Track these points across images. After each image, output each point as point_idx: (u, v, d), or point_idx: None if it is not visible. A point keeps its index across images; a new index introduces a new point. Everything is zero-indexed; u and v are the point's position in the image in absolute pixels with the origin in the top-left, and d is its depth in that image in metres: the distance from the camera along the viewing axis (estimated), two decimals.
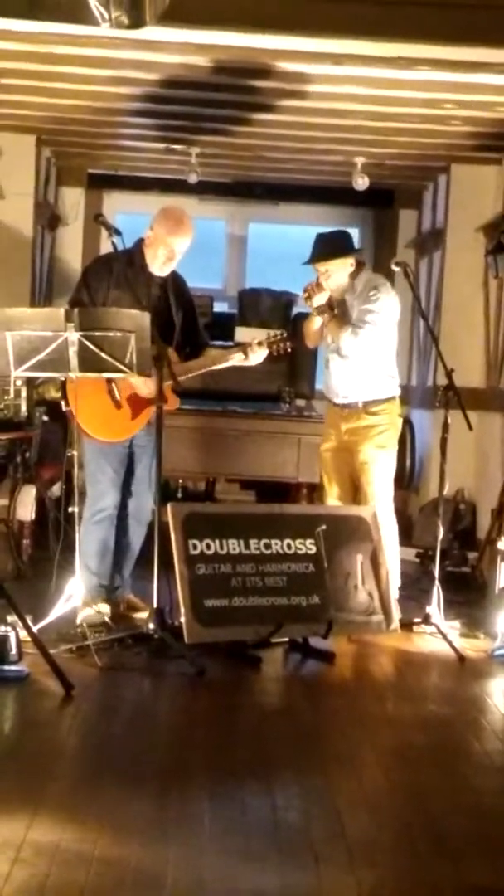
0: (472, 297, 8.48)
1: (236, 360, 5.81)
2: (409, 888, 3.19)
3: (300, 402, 8.33)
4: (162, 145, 8.32)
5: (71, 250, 9.55)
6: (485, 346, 8.39)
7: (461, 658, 5.54)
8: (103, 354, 5.05)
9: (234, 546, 5.57)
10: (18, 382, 6.47)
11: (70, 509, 5.52)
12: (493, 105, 6.67)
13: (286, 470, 7.52)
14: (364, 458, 6.04)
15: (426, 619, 5.85)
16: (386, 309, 6.03)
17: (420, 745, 4.41)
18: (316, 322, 6.16)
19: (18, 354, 5.04)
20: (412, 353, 9.24)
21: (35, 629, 4.88)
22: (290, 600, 5.58)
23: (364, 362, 6.03)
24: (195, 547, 5.47)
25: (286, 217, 9.88)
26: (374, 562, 5.84)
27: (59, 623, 5.31)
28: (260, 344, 5.77)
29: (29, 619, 4.87)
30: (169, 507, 5.54)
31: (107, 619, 5.46)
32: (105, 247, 7.53)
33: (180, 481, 8.43)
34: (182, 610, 5.28)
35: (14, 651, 4.81)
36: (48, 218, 9.12)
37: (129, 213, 9.36)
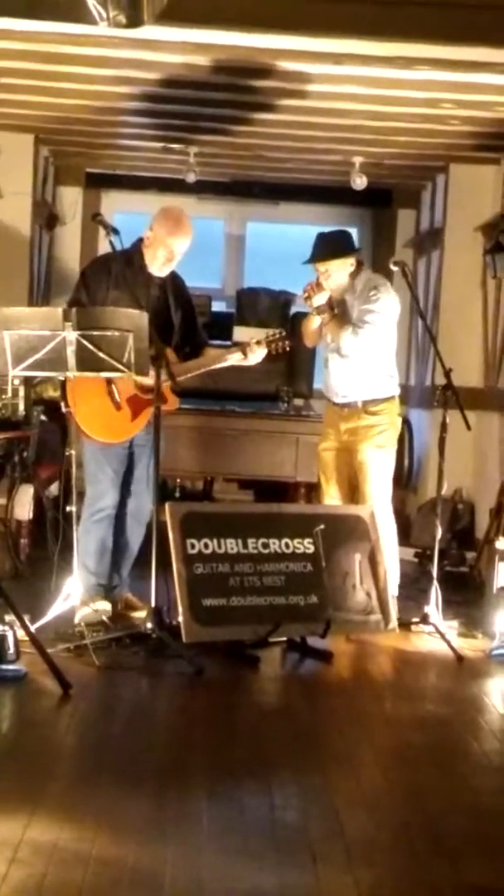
0: (471, 296, 8.48)
1: (235, 359, 5.81)
2: (408, 887, 3.19)
3: (298, 402, 8.33)
4: (160, 144, 8.32)
5: (69, 250, 9.55)
6: (483, 345, 8.40)
7: (459, 658, 5.54)
8: (101, 354, 5.05)
9: (232, 545, 5.56)
10: (16, 381, 6.47)
11: (68, 508, 5.52)
12: (492, 105, 6.67)
13: (284, 469, 7.52)
14: (363, 457, 6.04)
15: (424, 619, 5.85)
16: (386, 309, 6.03)
17: (418, 744, 4.41)
18: (315, 322, 6.16)
19: (16, 354, 5.04)
20: (410, 353, 9.24)
21: (33, 628, 4.88)
22: (288, 600, 5.58)
23: (364, 362, 6.02)
24: (193, 546, 5.47)
25: (284, 216, 9.88)
26: (373, 561, 5.84)
27: (56, 622, 5.31)
28: (258, 343, 5.77)
29: (27, 619, 4.87)
30: (167, 506, 5.54)
31: (105, 618, 5.45)
32: (103, 246, 7.54)
33: (178, 481, 8.43)
34: (180, 609, 5.28)
35: (12, 650, 4.80)
36: (46, 217, 9.11)
37: (127, 212, 9.36)
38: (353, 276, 6.09)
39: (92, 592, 5.59)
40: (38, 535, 6.92)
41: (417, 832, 3.51)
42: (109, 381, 5.55)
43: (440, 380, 6.14)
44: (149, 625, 5.20)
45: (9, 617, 4.82)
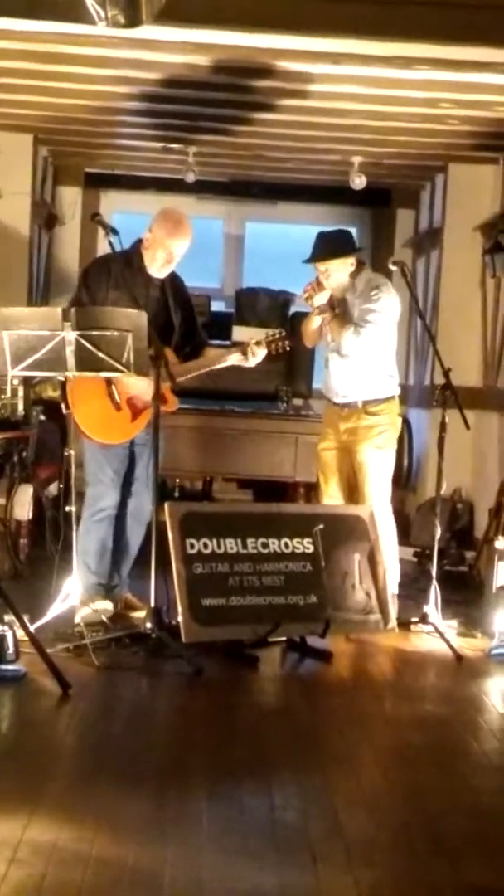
0: (470, 296, 8.48)
1: (235, 360, 5.80)
2: (408, 887, 3.19)
3: (297, 402, 8.34)
4: (159, 144, 8.31)
5: (68, 249, 9.55)
6: (482, 345, 8.39)
7: (459, 657, 5.54)
8: (100, 354, 5.04)
9: (231, 545, 5.56)
10: (15, 382, 6.47)
11: (67, 508, 5.52)
12: (491, 104, 6.67)
13: (283, 469, 7.53)
14: (363, 458, 6.04)
15: (423, 619, 5.85)
16: (387, 308, 6.03)
17: (418, 744, 4.41)
18: (315, 322, 6.15)
19: (15, 353, 5.04)
20: (409, 353, 9.24)
21: (32, 628, 4.88)
22: (288, 599, 5.58)
23: (364, 362, 6.02)
24: (192, 546, 5.47)
25: (283, 216, 9.88)
26: (372, 561, 5.84)
27: (56, 622, 5.30)
28: (258, 344, 5.76)
29: (26, 619, 4.87)
30: (166, 506, 5.54)
31: (104, 618, 5.45)
32: (102, 246, 7.54)
33: (178, 480, 8.43)
34: (179, 609, 5.28)
35: (11, 650, 4.79)
36: (45, 217, 9.11)
37: (126, 212, 9.35)
38: (354, 275, 6.09)
39: (92, 592, 5.59)
40: (38, 534, 6.92)
41: (417, 832, 3.51)
42: (109, 382, 5.56)
43: (439, 379, 6.14)
44: (148, 625, 5.20)
45: (8, 617, 4.82)
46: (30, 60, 6.33)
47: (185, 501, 7.75)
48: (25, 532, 6.86)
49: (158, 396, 5.31)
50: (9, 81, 6.85)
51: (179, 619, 5.26)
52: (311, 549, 5.71)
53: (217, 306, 9.42)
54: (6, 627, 4.81)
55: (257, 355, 5.76)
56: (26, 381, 6.59)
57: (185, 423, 7.11)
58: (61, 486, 7.42)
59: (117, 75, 6.61)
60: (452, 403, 5.92)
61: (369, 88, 6.51)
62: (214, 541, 5.53)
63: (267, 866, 3.20)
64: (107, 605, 5.61)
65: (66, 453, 5.68)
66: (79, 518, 5.61)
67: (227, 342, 8.05)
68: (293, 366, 8.32)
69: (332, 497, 6.16)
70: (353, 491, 6.13)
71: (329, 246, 6.07)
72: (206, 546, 5.50)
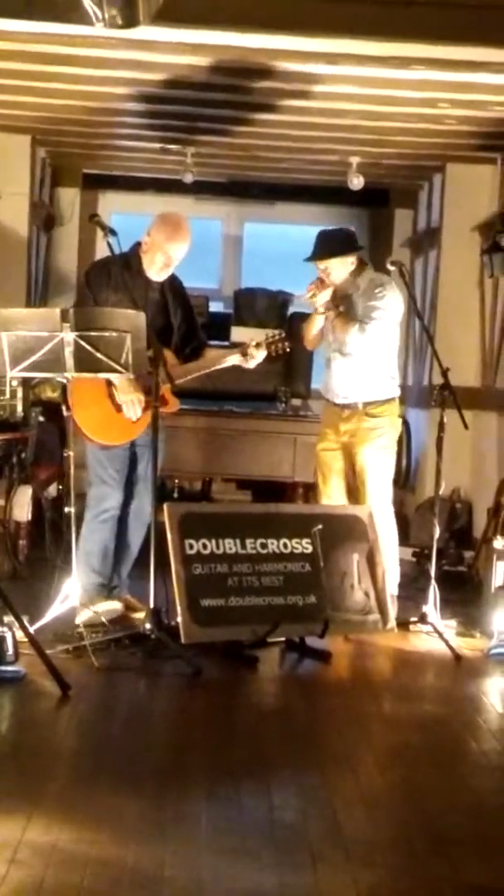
0: (468, 296, 8.48)
1: (235, 360, 5.81)
2: (407, 887, 3.19)
3: (296, 402, 8.34)
4: (157, 145, 8.31)
5: (66, 251, 9.55)
6: (480, 345, 8.39)
7: (457, 657, 5.54)
8: (99, 354, 5.05)
9: (230, 546, 5.57)
10: (14, 383, 6.47)
11: (66, 510, 5.52)
12: (488, 104, 6.67)
13: (282, 469, 7.53)
14: (363, 460, 6.04)
15: (422, 619, 5.85)
16: (392, 306, 6.03)
17: (417, 744, 4.41)
18: (317, 323, 6.14)
19: (14, 355, 5.04)
20: (408, 353, 9.23)
21: (31, 629, 4.88)
22: (287, 600, 5.58)
23: (366, 362, 6.02)
24: (192, 547, 5.47)
25: (282, 217, 9.88)
26: (371, 561, 5.85)
27: (55, 623, 5.30)
28: (258, 345, 5.77)
29: (25, 620, 4.87)
30: (165, 506, 5.54)
31: (104, 619, 5.44)
32: (101, 247, 7.54)
33: (177, 481, 8.43)
34: (178, 610, 5.28)
35: (10, 651, 4.80)
36: (43, 218, 9.11)
37: (124, 213, 9.35)
38: (356, 274, 6.08)
39: (93, 593, 5.59)
40: (37, 536, 6.92)
41: (416, 832, 3.51)
42: (110, 384, 5.56)
43: (438, 379, 6.14)
44: (147, 625, 5.20)
45: (7, 618, 4.82)
46: (27, 61, 6.33)
47: (184, 502, 7.74)
48: (24, 533, 6.86)
49: (158, 398, 5.32)
50: (6, 82, 6.85)
51: (178, 619, 5.27)
52: (309, 549, 5.71)
53: (216, 307, 9.42)
54: (5, 629, 4.81)
55: (257, 357, 5.77)
56: (25, 383, 6.59)
57: (184, 423, 7.11)
58: (60, 487, 7.43)
59: (115, 76, 6.61)
60: (451, 403, 5.92)
61: (367, 89, 6.52)
62: (213, 541, 5.53)
63: (266, 866, 3.20)
64: (115, 606, 5.61)
65: (65, 454, 5.67)
66: (79, 519, 5.61)
67: (226, 343, 8.06)
68: (292, 366, 8.32)
69: (330, 497, 6.16)
70: (352, 491, 6.13)
71: (328, 245, 6.07)
72: (205, 547, 5.51)
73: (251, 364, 5.79)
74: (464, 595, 6.65)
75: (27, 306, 8.19)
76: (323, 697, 5.02)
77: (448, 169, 8.48)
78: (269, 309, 9.23)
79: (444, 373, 5.94)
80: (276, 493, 7.73)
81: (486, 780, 4.09)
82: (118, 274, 5.63)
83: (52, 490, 7.44)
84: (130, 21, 4.49)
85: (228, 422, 7.59)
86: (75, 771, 3.93)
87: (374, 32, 5.37)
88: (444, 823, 3.61)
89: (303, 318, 6.43)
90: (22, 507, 6.76)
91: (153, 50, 5.87)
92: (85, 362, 5.06)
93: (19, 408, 6.61)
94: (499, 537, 6.29)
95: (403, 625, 5.90)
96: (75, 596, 5.34)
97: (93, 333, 5.04)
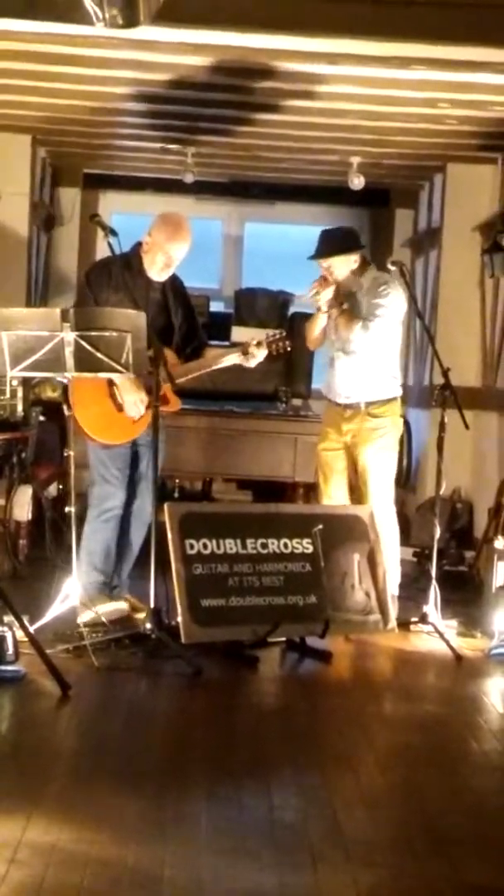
0: (469, 296, 8.48)
1: (236, 359, 5.81)
2: (407, 887, 3.19)
3: (297, 402, 8.34)
4: (158, 145, 8.31)
5: (67, 250, 9.56)
6: (481, 345, 8.39)
7: (458, 657, 5.54)
8: (99, 354, 5.04)
9: (230, 546, 5.56)
10: (14, 382, 6.47)
11: (67, 509, 5.52)
12: (489, 104, 6.67)
13: (283, 469, 7.53)
14: (365, 460, 6.04)
15: (423, 619, 5.85)
16: (395, 304, 6.04)
17: (417, 744, 4.41)
18: (319, 322, 6.13)
19: (14, 354, 5.04)
20: (409, 353, 9.23)
21: (32, 629, 4.88)
22: (287, 600, 5.58)
23: (369, 361, 6.02)
24: (192, 547, 5.47)
25: (282, 217, 9.89)
26: (371, 561, 5.84)
27: (55, 623, 5.30)
28: (259, 344, 5.76)
29: (26, 619, 4.87)
30: (166, 506, 5.54)
31: (105, 619, 5.44)
32: (101, 247, 7.54)
33: (177, 481, 8.43)
34: (179, 610, 5.28)
35: (11, 651, 4.79)
36: (44, 218, 9.11)
37: (124, 213, 9.35)
38: (359, 272, 6.08)
39: (95, 592, 5.58)
40: (37, 535, 6.92)
41: (417, 832, 3.51)
42: (111, 383, 5.56)
43: (438, 379, 6.14)
44: (148, 625, 5.20)
45: (8, 618, 4.82)
46: (28, 61, 6.33)
47: (185, 502, 7.74)
48: (25, 533, 6.87)
49: (158, 397, 5.32)
50: (7, 82, 6.85)
51: (179, 619, 5.27)
52: (310, 549, 5.71)
53: (216, 307, 9.43)
54: (6, 628, 4.81)
55: (258, 355, 5.76)
56: (25, 382, 6.58)
57: (185, 423, 7.11)
58: (61, 486, 7.44)
59: (116, 76, 6.61)
60: (451, 403, 5.92)
61: (367, 89, 6.52)
62: (214, 541, 5.53)
63: (266, 866, 3.20)
64: (121, 606, 5.61)
65: (65, 454, 5.67)
66: (79, 519, 5.61)
67: (226, 342, 8.06)
68: (292, 366, 8.33)
69: (331, 497, 6.16)
70: (353, 491, 6.13)
71: (331, 243, 6.07)
72: (205, 546, 5.51)
73: (252, 363, 5.79)
74: (464, 595, 6.64)
75: (27, 306, 8.19)
76: (323, 697, 5.01)
77: (449, 169, 8.48)
78: (270, 309, 9.24)
79: (445, 373, 5.94)
80: (276, 493, 7.72)
81: (486, 781, 4.09)
82: (119, 274, 5.63)
83: (53, 490, 7.43)
84: (131, 21, 4.49)
85: (229, 422, 7.59)
86: (75, 771, 3.93)
87: (375, 32, 5.37)
88: (445, 823, 3.61)
89: (304, 318, 6.42)
90: (22, 507, 6.76)
91: (154, 50, 5.88)
92: (85, 362, 5.06)
93: (20, 407, 6.60)
94: (499, 537, 6.30)
95: (404, 625, 5.89)
96: (75, 595, 5.34)
97: (93, 333, 5.04)
